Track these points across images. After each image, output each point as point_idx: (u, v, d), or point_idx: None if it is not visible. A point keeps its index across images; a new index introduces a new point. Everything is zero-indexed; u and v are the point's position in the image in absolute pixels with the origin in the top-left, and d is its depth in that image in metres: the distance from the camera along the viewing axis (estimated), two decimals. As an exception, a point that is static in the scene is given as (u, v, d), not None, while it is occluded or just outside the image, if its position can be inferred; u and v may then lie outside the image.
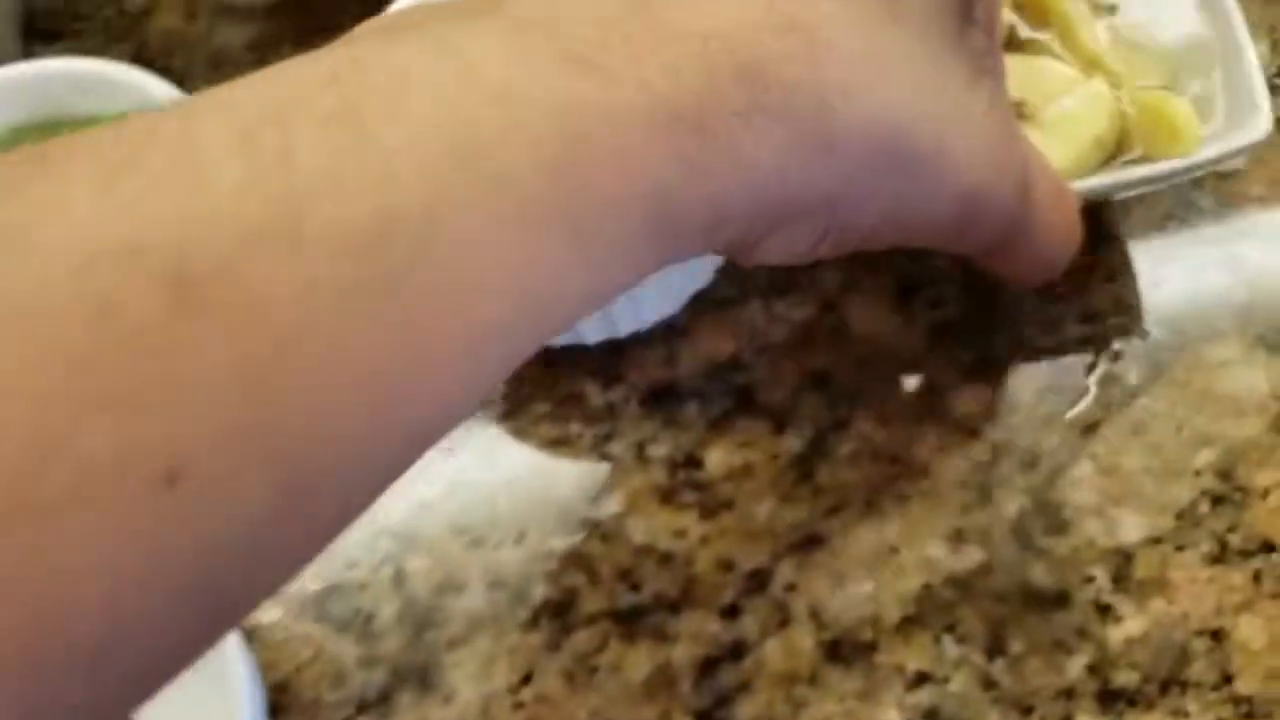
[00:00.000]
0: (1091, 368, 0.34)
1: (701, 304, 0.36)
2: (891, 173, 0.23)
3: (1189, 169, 0.33)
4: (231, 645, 0.28)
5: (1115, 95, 0.33)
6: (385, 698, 0.32)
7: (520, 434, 0.36)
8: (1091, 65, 0.34)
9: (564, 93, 0.18)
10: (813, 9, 0.21)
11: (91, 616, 0.14)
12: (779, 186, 0.21)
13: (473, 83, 0.18)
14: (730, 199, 0.20)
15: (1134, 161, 0.33)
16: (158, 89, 0.37)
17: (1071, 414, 0.34)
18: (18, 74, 0.38)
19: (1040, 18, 0.35)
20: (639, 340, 0.36)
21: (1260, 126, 0.31)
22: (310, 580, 0.34)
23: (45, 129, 0.38)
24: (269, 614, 0.32)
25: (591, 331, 0.34)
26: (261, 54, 0.46)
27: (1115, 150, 0.33)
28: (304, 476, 0.16)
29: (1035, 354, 0.35)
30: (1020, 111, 0.31)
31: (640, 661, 0.31)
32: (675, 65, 0.20)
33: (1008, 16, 0.34)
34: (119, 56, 0.46)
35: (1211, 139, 0.32)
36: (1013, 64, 0.33)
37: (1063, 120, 0.32)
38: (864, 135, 0.22)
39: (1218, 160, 0.32)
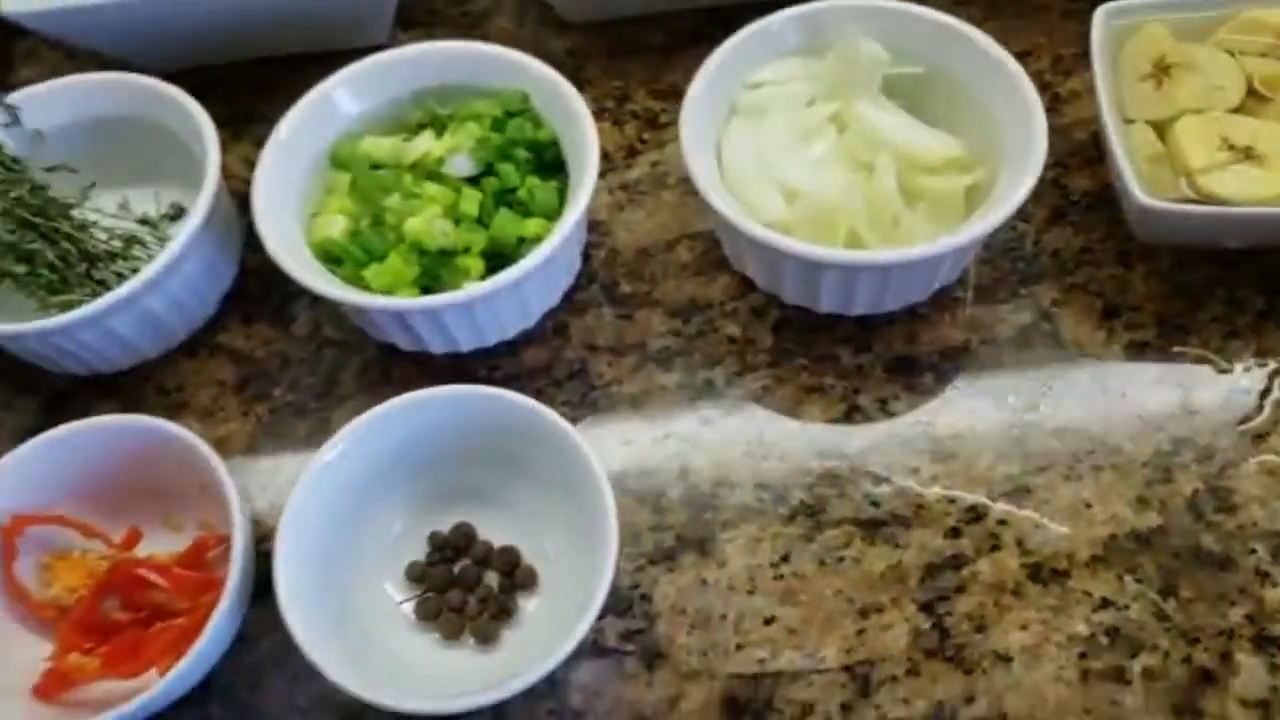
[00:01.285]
0: (1265, 393, 0.43)
1: (942, 298, 0.46)
2: None
3: None
4: (606, 493, 0.38)
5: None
6: (671, 556, 0.42)
7: (784, 379, 0.46)
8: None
9: None
10: None
11: None
12: None
13: None
14: None
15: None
16: (530, 65, 0.48)
17: (1244, 426, 0.42)
18: (419, 51, 0.50)
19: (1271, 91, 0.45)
20: (887, 320, 0.46)
21: None
22: (612, 461, 0.44)
23: (439, 93, 0.50)
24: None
25: (859, 305, 0.44)
26: (578, 60, 0.58)
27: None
28: None
29: (1217, 375, 0.44)
30: (1249, 154, 0.42)
31: (878, 559, 0.41)
32: None
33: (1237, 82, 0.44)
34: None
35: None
36: (1247, 123, 0.43)
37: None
38: None
39: None
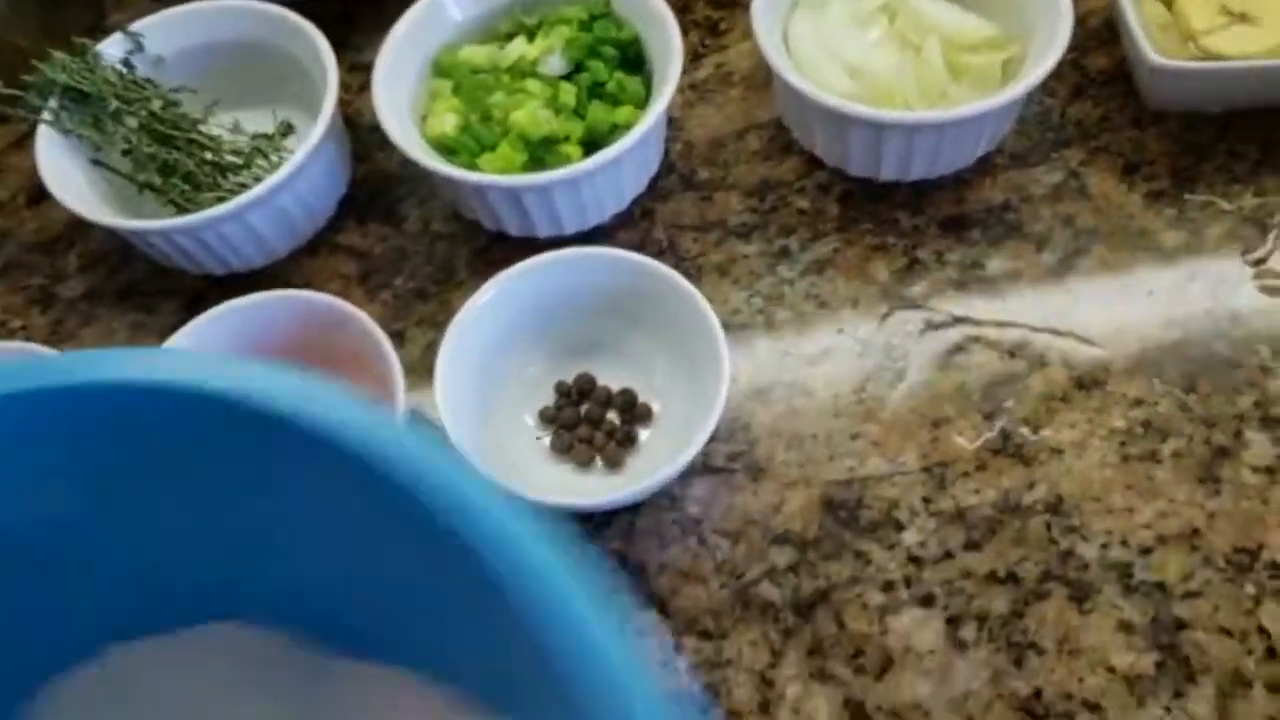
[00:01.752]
0: (1264, 227, 0.51)
1: (984, 165, 0.54)
2: None
3: None
4: (721, 341, 0.46)
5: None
6: (763, 392, 0.50)
7: (851, 242, 0.53)
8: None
9: None
10: None
11: None
12: None
13: None
14: None
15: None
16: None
17: (1248, 256, 0.50)
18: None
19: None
20: (936, 186, 0.53)
21: None
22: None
23: (529, 3, 0.56)
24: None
25: (916, 169, 0.51)
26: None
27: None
28: None
29: (1221, 215, 0.52)
30: (1244, 17, 0.50)
31: (944, 381, 0.49)
32: None
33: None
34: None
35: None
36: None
37: (1270, 17, 0.50)
38: None
39: None
